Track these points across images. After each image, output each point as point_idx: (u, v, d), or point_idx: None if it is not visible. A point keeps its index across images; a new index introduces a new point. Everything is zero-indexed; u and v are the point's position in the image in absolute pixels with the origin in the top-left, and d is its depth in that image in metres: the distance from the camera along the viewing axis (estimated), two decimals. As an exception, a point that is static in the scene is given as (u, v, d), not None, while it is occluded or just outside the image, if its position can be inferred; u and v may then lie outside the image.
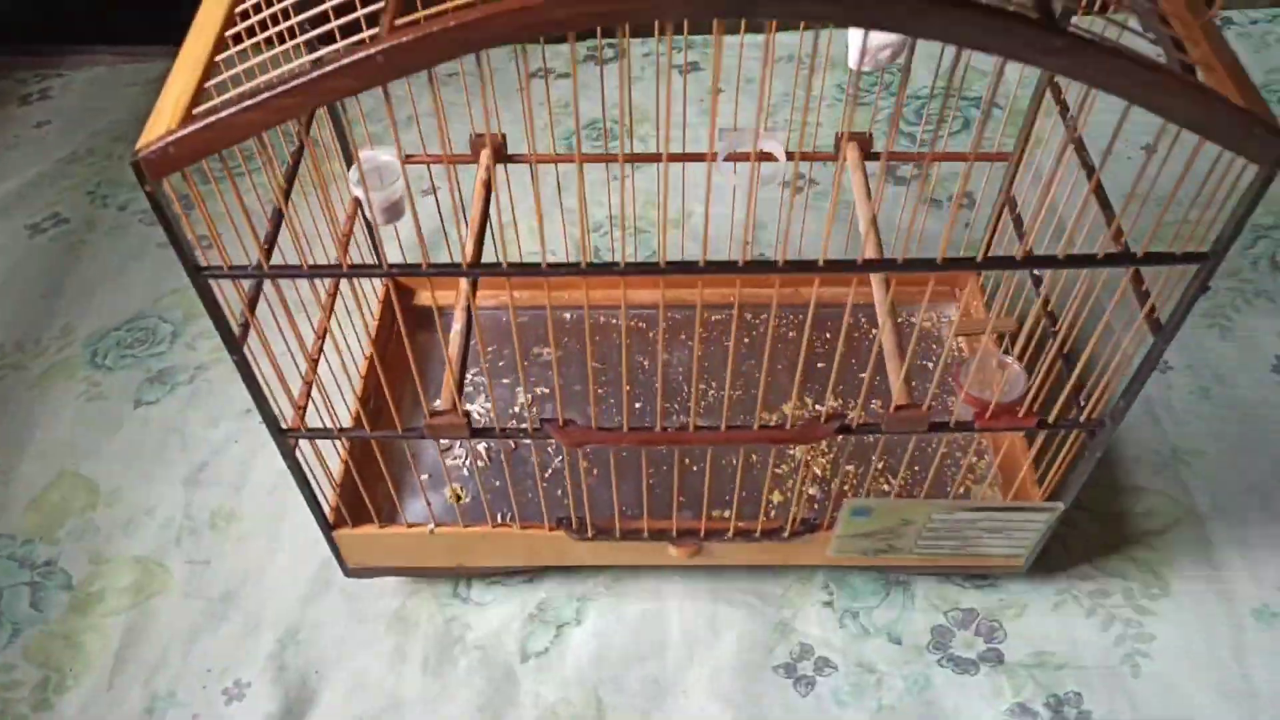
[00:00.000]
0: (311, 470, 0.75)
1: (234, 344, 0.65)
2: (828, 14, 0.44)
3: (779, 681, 0.79)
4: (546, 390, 0.95)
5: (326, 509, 0.79)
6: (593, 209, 1.14)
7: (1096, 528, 0.88)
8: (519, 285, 1.00)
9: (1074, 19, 0.49)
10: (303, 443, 0.73)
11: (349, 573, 0.84)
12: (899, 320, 0.74)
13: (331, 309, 0.81)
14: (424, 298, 1.02)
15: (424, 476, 0.88)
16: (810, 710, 0.78)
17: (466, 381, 0.96)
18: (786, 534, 0.81)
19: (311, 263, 0.62)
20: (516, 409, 0.94)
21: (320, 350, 0.80)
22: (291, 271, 0.62)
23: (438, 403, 0.70)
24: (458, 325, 0.73)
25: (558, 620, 0.83)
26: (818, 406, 0.94)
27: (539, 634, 0.83)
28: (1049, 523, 0.78)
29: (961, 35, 0.45)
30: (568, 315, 1.01)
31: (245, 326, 0.67)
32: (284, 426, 0.72)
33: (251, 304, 0.67)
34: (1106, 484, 0.91)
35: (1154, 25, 0.55)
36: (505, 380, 0.97)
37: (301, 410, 0.75)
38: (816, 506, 0.86)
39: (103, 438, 0.98)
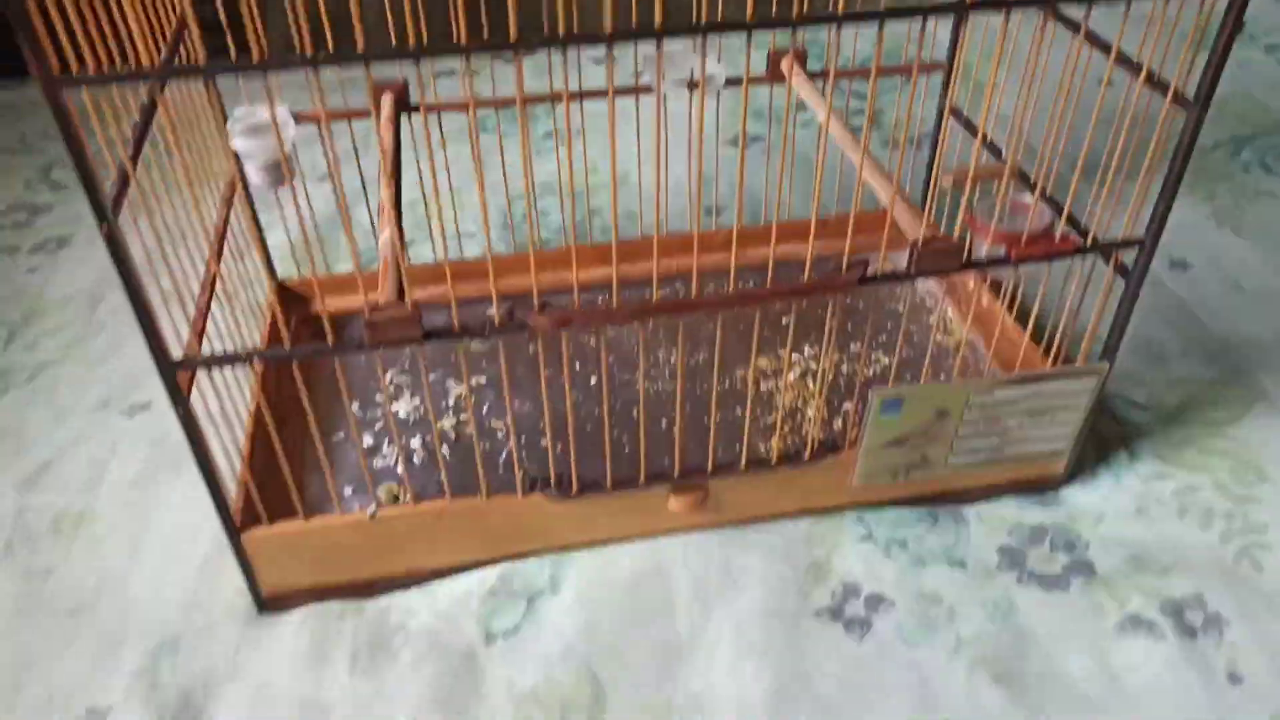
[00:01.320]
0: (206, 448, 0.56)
1: (102, 211, 0.47)
2: None
3: (825, 628, 0.61)
4: (484, 380, 0.78)
5: (229, 500, 0.59)
6: (514, 179, 1.00)
7: (1159, 426, 0.74)
8: (434, 278, 0.83)
9: None
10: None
11: (264, 604, 0.63)
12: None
13: (220, 248, 0.64)
14: (317, 306, 0.84)
15: (347, 490, 0.69)
16: (872, 654, 0.59)
17: (389, 381, 0.78)
18: (807, 456, 0.65)
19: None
20: (451, 402, 0.76)
21: (217, 271, 0.62)
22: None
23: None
24: (386, 143, 0.55)
25: (528, 591, 0.64)
26: (794, 355, 0.79)
27: (505, 610, 0.63)
28: (1094, 392, 0.64)
29: None
30: (491, 311, 0.85)
31: (123, 182, 0.50)
32: (176, 357, 0.53)
33: (136, 150, 0.51)
34: (1158, 379, 0.78)
35: None
36: (434, 375, 0.79)
37: (199, 338, 0.57)
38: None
39: (-90, 451, 0.75)
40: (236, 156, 0.58)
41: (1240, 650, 0.59)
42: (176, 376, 0.52)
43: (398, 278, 0.53)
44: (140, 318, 0.50)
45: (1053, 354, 0.66)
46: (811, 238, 0.54)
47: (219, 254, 0.64)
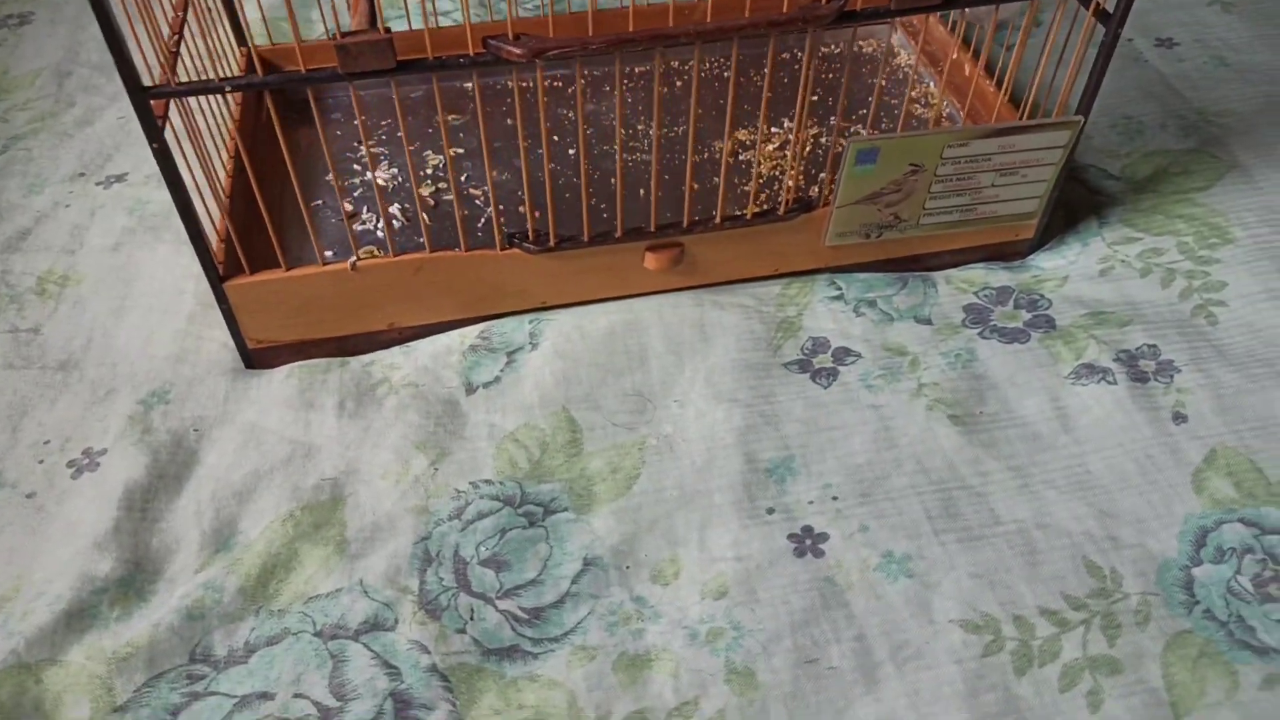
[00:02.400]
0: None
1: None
2: None
3: (793, 377, 0.63)
4: (461, 151, 0.77)
5: (212, 246, 0.60)
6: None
7: (1131, 194, 0.75)
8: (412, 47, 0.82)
9: None
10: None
11: (250, 359, 0.65)
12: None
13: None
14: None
15: (328, 253, 0.70)
16: (837, 399, 0.62)
17: (364, 154, 0.77)
18: (781, 212, 0.66)
19: None
20: (429, 171, 0.76)
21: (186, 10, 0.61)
22: None
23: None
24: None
25: (507, 347, 0.66)
26: (772, 130, 0.79)
27: (485, 363, 0.65)
28: (1068, 147, 0.65)
29: None
30: (467, 85, 0.84)
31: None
32: (146, 83, 0.52)
33: None
34: (1134, 151, 0.78)
35: None
36: (411, 146, 0.78)
37: (170, 67, 0.56)
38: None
39: (-112, 221, 0.75)
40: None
41: (1187, 394, 0.61)
42: (149, 104, 0.52)
43: (369, 5, 0.52)
44: (110, 40, 0.49)
45: (1026, 111, 0.66)
46: (787, -26, 0.53)
47: None
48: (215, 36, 0.71)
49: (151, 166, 0.79)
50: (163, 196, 0.76)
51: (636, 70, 0.85)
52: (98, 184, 0.78)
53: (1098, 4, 0.60)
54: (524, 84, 0.83)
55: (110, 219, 0.75)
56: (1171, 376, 0.62)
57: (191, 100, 0.62)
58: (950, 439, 0.60)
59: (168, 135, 0.54)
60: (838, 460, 0.59)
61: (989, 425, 0.61)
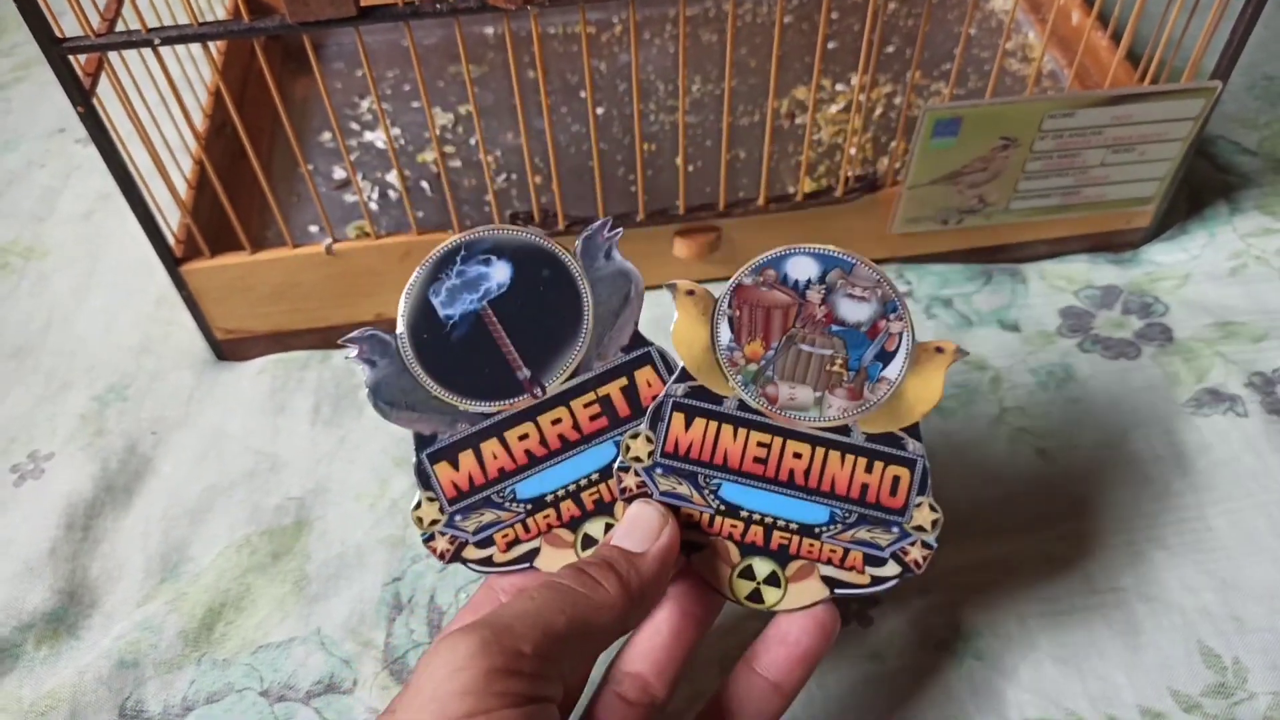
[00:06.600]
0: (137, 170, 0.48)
1: None
2: None
3: (846, 393, 0.53)
4: (472, 110, 0.67)
5: (168, 232, 0.52)
6: None
7: (1270, 174, 0.62)
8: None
9: None
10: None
11: (222, 351, 0.57)
12: None
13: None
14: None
15: (312, 228, 0.61)
16: (898, 424, 0.52)
17: (364, 110, 0.68)
18: (839, 193, 0.55)
19: None
20: (437, 133, 0.66)
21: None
22: None
23: None
24: None
25: (511, 343, 0.56)
26: (838, 87, 0.68)
27: (484, 363, 0.56)
28: (1198, 120, 0.52)
29: None
30: (488, 31, 0.73)
31: None
32: (57, 35, 0.44)
33: None
34: (1276, 121, 0.65)
35: None
36: (415, 104, 0.69)
37: (110, 21, 0.47)
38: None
39: None
40: None
41: (1339, 431, 0.50)
42: (68, 60, 0.43)
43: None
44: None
45: (1148, 76, 0.54)
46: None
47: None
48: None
49: (136, 122, 0.71)
50: (143, 156, 0.68)
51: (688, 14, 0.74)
52: (77, 141, 0.70)
53: (1252, -61, 0.48)
54: (557, 28, 0.73)
55: (85, 182, 0.67)
56: (1319, 409, 0.50)
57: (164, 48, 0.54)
58: (1038, 479, 0.49)
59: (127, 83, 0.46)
60: (895, 501, 0.49)
61: (1086, 463, 0.50)
